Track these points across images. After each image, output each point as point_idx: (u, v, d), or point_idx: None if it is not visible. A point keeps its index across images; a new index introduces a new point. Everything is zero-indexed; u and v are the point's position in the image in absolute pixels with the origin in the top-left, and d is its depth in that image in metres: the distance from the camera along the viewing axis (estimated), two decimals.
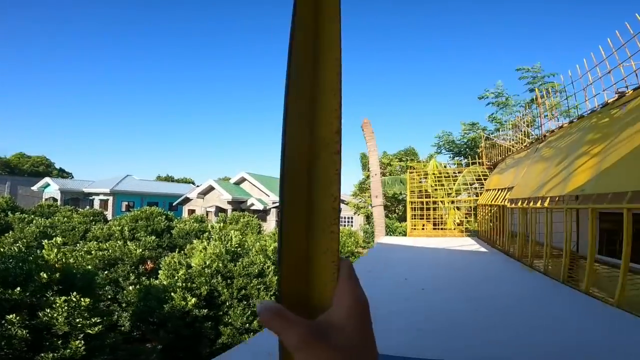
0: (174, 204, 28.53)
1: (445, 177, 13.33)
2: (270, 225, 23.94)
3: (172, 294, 5.75)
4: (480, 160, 13.30)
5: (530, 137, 9.13)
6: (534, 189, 5.38)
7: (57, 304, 3.59)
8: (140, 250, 8.77)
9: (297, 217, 0.36)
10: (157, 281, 6.51)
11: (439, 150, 20.55)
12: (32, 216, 14.23)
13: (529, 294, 3.96)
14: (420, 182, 13.83)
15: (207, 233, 12.82)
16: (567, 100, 6.55)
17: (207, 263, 6.52)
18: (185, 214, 25.70)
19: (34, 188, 30.83)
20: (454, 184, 12.66)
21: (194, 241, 9.61)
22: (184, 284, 6.04)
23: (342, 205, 26.29)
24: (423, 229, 12.72)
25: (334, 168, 0.37)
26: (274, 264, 8.75)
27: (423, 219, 12.69)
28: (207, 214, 24.66)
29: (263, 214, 25.32)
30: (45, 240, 4.44)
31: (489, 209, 8.64)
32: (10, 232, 11.40)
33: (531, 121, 8.89)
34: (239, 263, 6.98)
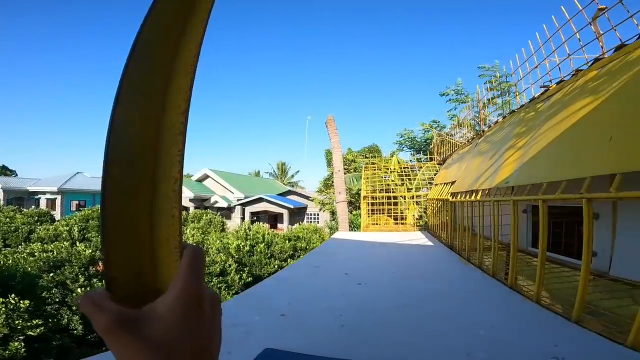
0: None
1: (406, 173, 13.81)
2: (235, 222, 23.51)
3: None
4: (432, 156, 13.90)
5: (473, 133, 9.73)
6: (471, 182, 5.62)
7: None
8: (91, 251, 8.28)
9: (129, 201, 0.34)
10: None
11: (401, 148, 21.27)
12: None
13: (455, 287, 4.04)
14: (383, 177, 14.23)
15: None
16: (503, 95, 6.97)
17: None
18: None
19: None
20: (414, 179, 13.17)
21: None
22: None
23: (307, 202, 26.37)
24: (386, 224, 13.09)
25: (177, 149, 0.35)
26: (236, 262, 8.64)
27: (384, 214, 13.07)
28: None
29: (227, 211, 24.79)
30: None
31: (436, 203, 8.90)
32: None
33: (483, 118, 9.52)
34: None
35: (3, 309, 3.36)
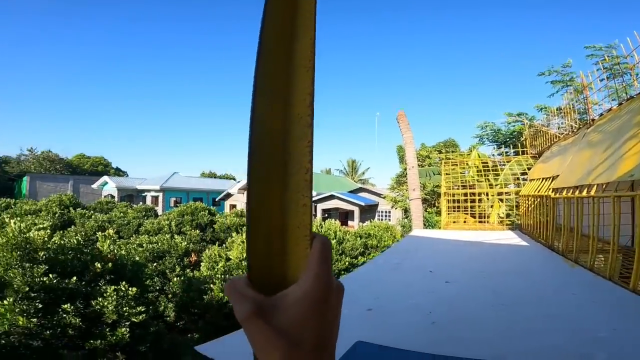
0: (216, 199, 29.90)
1: (488, 168, 12.65)
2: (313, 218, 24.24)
3: (212, 285, 6.05)
4: (524, 149, 12.46)
5: (578, 122, 8.35)
6: (580, 176, 4.94)
7: (108, 293, 3.93)
8: (186, 243, 9.32)
9: (266, 191, 0.37)
10: (198, 273, 6.89)
11: (481, 141, 19.45)
12: (92, 212, 15.68)
13: (561, 289, 3.67)
14: (462, 173, 13.26)
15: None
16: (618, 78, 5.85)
17: (245, 256, 6.78)
18: (227, 209, 26.84)
19: (94, 186, 33.89)
20: (500, 175, 11.98)
21: (234, 234, 10.03)
22: (222, 276, 6.33)
23: (378, 199, 25.93)
24: (465, 222, 12.19)
25: (306, 140, 0.37)
26: None
27: (462, 211, 12.16)
28: None
29: None
30: (99, 233, 4.90)
31: (532, 199, 8.07)
32: (72, 227, 12.66)
33: (592, 105, 8.07)
34: None
35: (114, 295, 3.94)
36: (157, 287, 7.29)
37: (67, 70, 71.01)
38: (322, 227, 11.64)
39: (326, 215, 24.81)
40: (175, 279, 6.77)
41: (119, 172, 48.41)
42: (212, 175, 54.68)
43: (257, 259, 0.37)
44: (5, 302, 3.53)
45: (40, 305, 3.63)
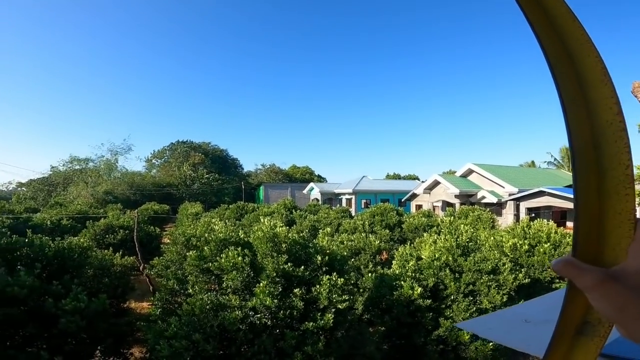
0: (402, 200, 30.51)
1: None
2: (507, 219, 21.00)
3: (402, 282, 6.27)
4: None
5: None
6: None
7: (323, 282, 4.78)
8: (378, 242, 10.06)
9: (588, 184, 0.43)
10: (389, 271, 7.28)
11: None
12: (306, 213, 19.28)
13: None
14: None
15: (435, 227, 12.95)
16: None
17: (437, 256, 6.65)
18: (413, 209, 26.92)
19: (304, 192, 41.58)
20: None
21: (424, 234, 9.99)
22: (413, 274, 6.44)
23: None
24: None
25: (623, 142, 0.42)
26: (511, 261, 7.76)
27: None
28: (433, 209, 24.76)
29: (497, 207, 22.59)
30: (320, 230, 6.07)
31: None
32: (294, 225, 15.98)
33: None
34: (470, 258, 6.68)
35: (327, 284, 4.73)
36: (353, 281, 8.21)
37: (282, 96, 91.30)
38: (529, 228, 9.86)
39: (532, 214, 20.70)
40: (368, 274, 7.43)
41: (320, 179, 57.46)
42: (397, 177, 56.22)
43: (582, 239, 0.43)
44: (261, 284, 4.53)
45: (280, 289, 4.64)
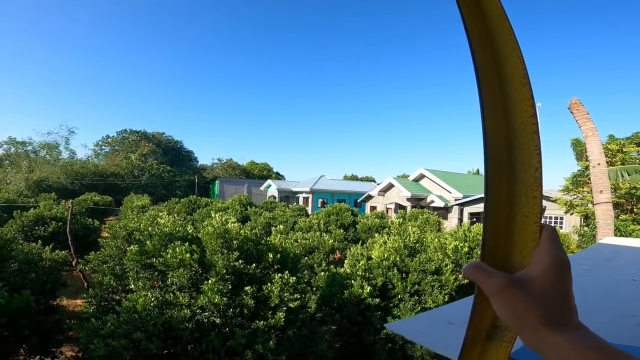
0: (358, 201, 31.29)
1: None
2: (452, 222, 22.43)
3: (352, 281, 6.44)
4: None
5: None
6: None
7: (275, 280, 4.74)
8: (332, 241, 10.21)
9: (499, 186, 0.43)
10: (342, 269, 7.44)
11: None
12: (261, 210, 18.99)
13: None
14: None
15: (387, 228, 13.46)
16: None
17: (386, 256, 6.92)
18: (367, 210, 27.71)
19: (261, 188, 40.95)
20: None
21: (375, 235, 10.33)
22: (363, 274, 6.64)
23: (546, 203, 21.53)
24: None
25: (534, 144, 0.42)
26: (452, 262, 8.33)
27: None
28: (387, 210, 25.69)
29: (444, 211, 24.05)
30: (273, 227, 6.02)
31: None
32: (248, 222, 15.68)
33: None
34: (416, 258, 7.03)
35: (279, 282, 4.70)
36: (306, 280, 8.26)
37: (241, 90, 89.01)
38: (469, 232, 10.62)
39: (474, 219, 22.35)
40: (321, 273, 7.53)
41: (279, 176, 56.92)
42: (354, 178, 57.51)
43: (491, 243, 0.43)
44: (209, 281, 4.40)
45: (230, 287, 4.53)
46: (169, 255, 4.65)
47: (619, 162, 15.34)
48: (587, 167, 13.02)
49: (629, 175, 14.33)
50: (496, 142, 0.43)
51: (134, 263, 4.99)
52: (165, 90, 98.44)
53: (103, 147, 50.42)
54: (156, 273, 4.98)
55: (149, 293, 4.42)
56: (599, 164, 10.09)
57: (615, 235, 10.77)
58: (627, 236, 11.78)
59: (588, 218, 14.86)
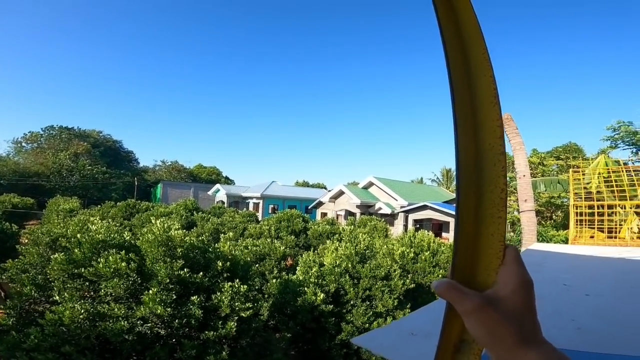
0: (309, 207, 31.41)
1: (620, 177, 10.46)
2: (398, 229, 23.53)
3: (305, 288, 6.41)
4: None
5: None
6: None
7: (225, 289, 4.52)
8: (283, 247, 10.07)
9: (468, 205, 0.44)
10: (294, 276, 7.37)
11: (613, 144, 16.14)
12: (209, 215, 18.17)
13: None
14: (588, 183, 11.26)
15: (337, 235, 13.65)
16: None
17: (338, 262, 7.00)
18: (318, 217, 27.94)
19: (209, 193, 39.21)
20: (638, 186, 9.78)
21: (327, 242, 10.41)
22: (315, 280, 6.65)
23: None
24: (592, 237, 10.27)
25: (500, 166, 0.43)
26: (400, 267, 8.72)
27: (587, 225, 10.28)
28: (337, 217, 26.15)
29: (391, 218, 25.12)
30: (222, 234, 5.74)
31: None
32: (194, 228, 14.88)
33: None
34: (367, 265, 7.22)
35: (230, 291, 4.50)
36: (257, 287, 8.04)
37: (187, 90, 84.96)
38: (414, 238, 11.20)
39: (418, 225, 23.69)
40: (273, 280, 7.39)
41: (228, 181, 55.03)
42: (306, 184, 57.71)
43: (460, 261, 0.44)
44: (150, 291, 4.12)
45: (175, 297, 4.25)
46: (101, 265, 4.22)
47: (539, 174, 17.38)
48: (512, 178, 14.54)
49: (544, 187, 16.29)
50: (466, 162, 0.43)
51: (59, 272, 4.45)
52: (102, 88, 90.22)
53: (25, 144, 44.62)
54: (87, 283, 4.50)
55: (77, 304, 4.02)
56: (524, 176, 11.32)
57: (538, 240, 12.13)
58: (548, 241, 13.31)
59: (514, 225, 16.53)
